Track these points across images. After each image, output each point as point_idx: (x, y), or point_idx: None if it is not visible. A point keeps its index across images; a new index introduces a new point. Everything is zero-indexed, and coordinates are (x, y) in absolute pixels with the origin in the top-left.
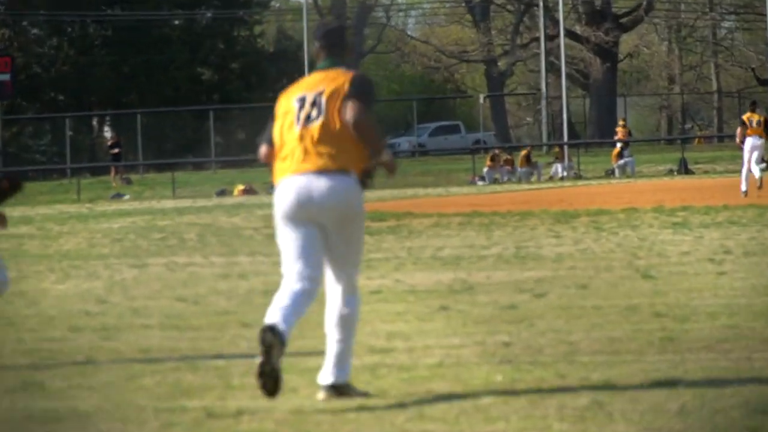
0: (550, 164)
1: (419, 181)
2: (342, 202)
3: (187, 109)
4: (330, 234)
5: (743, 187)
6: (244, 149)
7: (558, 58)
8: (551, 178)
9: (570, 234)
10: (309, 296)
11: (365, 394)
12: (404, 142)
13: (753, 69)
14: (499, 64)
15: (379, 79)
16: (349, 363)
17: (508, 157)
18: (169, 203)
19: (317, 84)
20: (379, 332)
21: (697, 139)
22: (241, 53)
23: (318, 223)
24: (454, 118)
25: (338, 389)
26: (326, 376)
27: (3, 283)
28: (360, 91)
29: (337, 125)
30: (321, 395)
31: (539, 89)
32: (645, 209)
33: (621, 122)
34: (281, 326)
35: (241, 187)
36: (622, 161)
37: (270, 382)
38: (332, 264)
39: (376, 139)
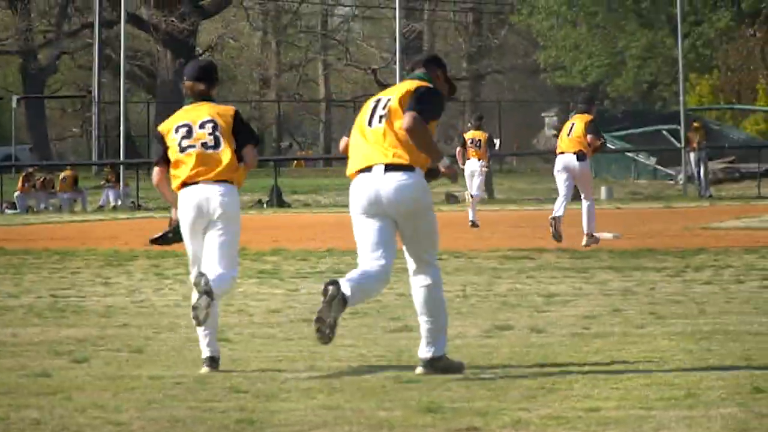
0: (101, 189)
1: None
2: (408, 198)
3: None
4: (402, 226)
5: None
6: None
7: (117, 50)
8: (101, 208)
9: (124, 281)
10: (379, 278)
11: (460, 366)
12: None
13: (374, 71)
14: (39, 56)
15: None
16: (443, 338)
17: (48, 178)
18: None
19: (393, 89)
20: None
21: (296, 162)
22: None
23: (389, 216)
24: None
25: (434, 363)
26: (422, 351)
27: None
28: (420, 102)
29: (397, 129)
30: (419, 370)
31: (90, 91)
32: None
33: None
34: (345, 289)
35: None
36: None
37: (326, 330)
38: (409, 251)
39: (430, 146)
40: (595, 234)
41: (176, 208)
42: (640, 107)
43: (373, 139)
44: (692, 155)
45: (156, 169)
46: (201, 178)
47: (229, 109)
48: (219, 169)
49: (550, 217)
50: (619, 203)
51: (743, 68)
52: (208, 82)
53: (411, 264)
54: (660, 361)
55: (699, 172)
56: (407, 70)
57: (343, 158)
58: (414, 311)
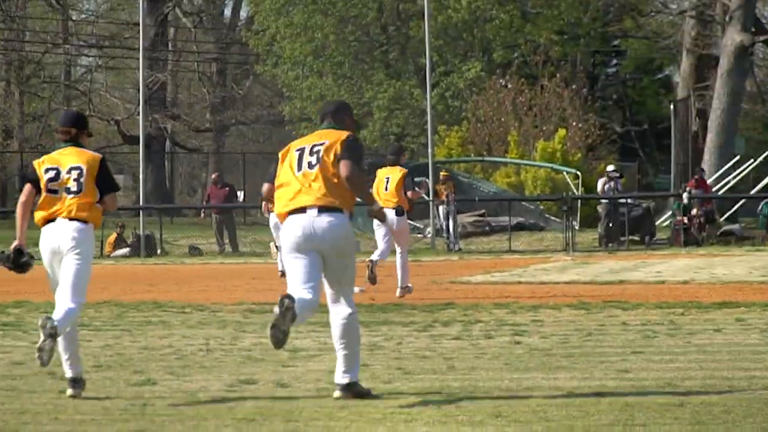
0: None
1: None
2: (338, 237)
3: None
4: (329, 262)
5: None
6: None
7: None
8: None
9: None
10: (312, 307)
11: (369, 392)
12: None
13: (117, 122)
14: None
15: None
16: (357, 365)
17: None
18: None
19: (314, 138)
20: None
21: None
22: None
23: (318, 252)
24: None
25: (350, 387)
26: (339, 377)
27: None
28: (349, 150)
29: (331, 171)
30: (337, 393)
31: None
32: None
33: None
34: (296, 305)
35: None
36: None
37: (281, 336)
38: (332, 285)
39: (365, 190)
40: (408, 285)
41: (21, 233)
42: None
43: (305, 183)
44: (441, 208)
45: (26, 188)
46: (59, 217)
47: (96, 157)
48: (76, 210)
49: (367, 259)
50: (366, 257)
51: (494, 120)
52: (78, 129)
53: (331, 297)
54: (408, 417)
55: (448, 226)
56: (320, 120)
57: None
58: (161, 365)
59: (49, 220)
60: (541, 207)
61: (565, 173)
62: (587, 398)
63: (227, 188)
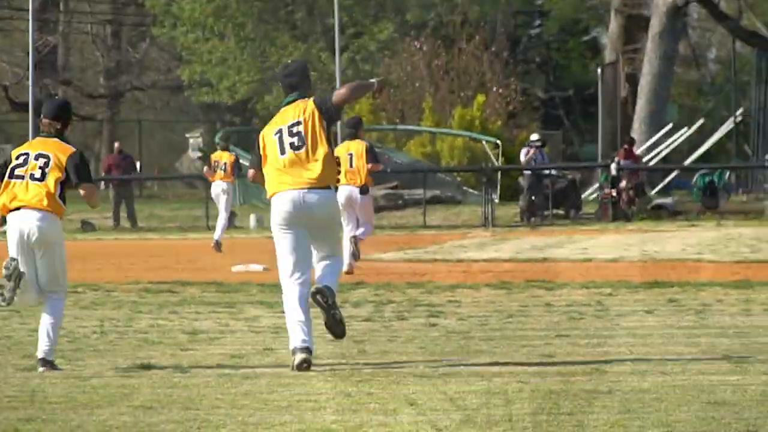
0: None
1: None
2: (326, 212)
3: None
4: (315, 234)
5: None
6: None
7: None
8: None
9: None
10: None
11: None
12: None
13: (6, 87)
14: None
15: None
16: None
17: None
18: None
19: (288, 117)
20: None
21: None
22: None
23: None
24: None
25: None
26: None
27: None
28: (323, 98)
29: (317, 151)
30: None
31: None
32: None
33: None
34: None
35: None
36: None
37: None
38: (320, 250)
39: (359, 86)
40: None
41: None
42: None
43: (291, 166)
44: None
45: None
46: (22, 205)
47: (68, 150)
48: (38, 199)
49: (350, 235)
50: (270, 233)
51: (407, 85)
52: (63, 121)
53: (320, 257)
54: (316, 405)
55: None
56: (286, 89)
57: None
58: None
59: (12, 209)
60: (459, 179)
61: (484, 142)
62: (508, 385)
63: (127, 159)
